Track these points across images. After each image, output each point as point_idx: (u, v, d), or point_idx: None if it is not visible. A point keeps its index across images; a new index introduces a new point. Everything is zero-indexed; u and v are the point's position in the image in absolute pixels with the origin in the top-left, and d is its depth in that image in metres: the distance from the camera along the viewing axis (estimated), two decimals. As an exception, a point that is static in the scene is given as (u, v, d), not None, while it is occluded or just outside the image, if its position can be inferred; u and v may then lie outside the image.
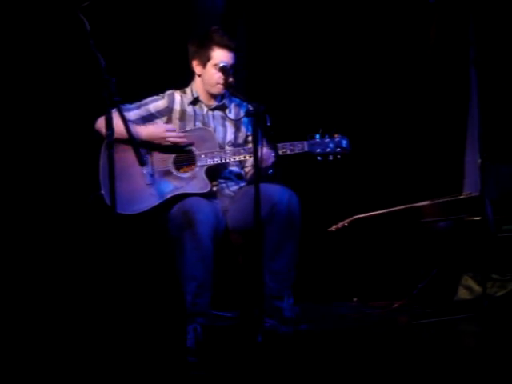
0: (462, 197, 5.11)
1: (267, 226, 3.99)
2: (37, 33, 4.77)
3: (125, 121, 3.57)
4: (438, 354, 3.85)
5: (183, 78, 4.41)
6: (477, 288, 4.90)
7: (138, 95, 4.31)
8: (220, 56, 4.18)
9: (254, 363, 3.63)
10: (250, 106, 3.76)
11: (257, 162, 3.65)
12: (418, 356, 3.82)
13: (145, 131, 4.15)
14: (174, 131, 4.17)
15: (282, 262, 4.05)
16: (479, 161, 4.44)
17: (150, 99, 4.29)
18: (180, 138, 4.16)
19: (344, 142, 4.13)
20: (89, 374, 3.57)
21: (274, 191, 4.05)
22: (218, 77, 4.20)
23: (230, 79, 4.16)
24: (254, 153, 3.66)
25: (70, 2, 3.44)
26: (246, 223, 4.05)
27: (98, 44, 3.44)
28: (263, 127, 3.77)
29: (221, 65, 4.16)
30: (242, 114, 4.33)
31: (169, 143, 4.14)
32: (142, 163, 3.64)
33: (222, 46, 4.19)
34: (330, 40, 5.67)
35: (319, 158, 4.12)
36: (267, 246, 3.99)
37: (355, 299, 5.36)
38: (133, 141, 3.59)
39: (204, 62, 4.23)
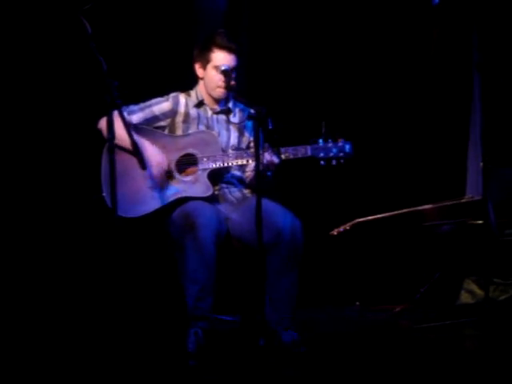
0: (464, 200, 5.11)
1: (270, 254, 3.97)
2: (39, 36, 4.77)
3: (126, 125, 3.56)
4: (440, 358, 3.84)
5: (187, 81, 4.40)
6: (479, 292, 4.89)
7: (141, 98, 4.30)
8: (220, 58, 4.17)
9: (255, 367, 3.62)
10: (251, 109, 3.75)
11: (258, 165, 3.63)
12: (420, 360, 3.82)
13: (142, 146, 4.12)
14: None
15: (282, 291, 4.00)
16: (481, 164, 4.43)
17: (154, 101, 4.28)
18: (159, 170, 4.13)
19: (347, 147, 4.11)
20: (91, 376, 3.57)
21: (277, 215, 4.01)
22: (217, 79, 4.18)
23: (232, 82, 4.15)
24: (256, 156, 3.65)
25: (72, 5, 3.44)
26: (247, 238, 4.03)
27: (100, 47, 3.44)
28: (265, 131, 3.76)
29: (222, 68, 4.15)
30: (244, 119, 4.32)
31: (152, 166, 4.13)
32: (144, 166, 3.63)
33: (222, 47, 4.17)
34: (333, 43, 5.66)
35: (322, 162, 4.11)
36: (268, 274, 3.97)
37: (357, 303, 5.35)
38: (134, 144, 3.58)
39: (205, 64, 4.22)
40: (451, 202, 5.07)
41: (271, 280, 3.99)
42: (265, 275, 3.93)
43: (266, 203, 3.71)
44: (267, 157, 4.00)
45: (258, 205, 3.57)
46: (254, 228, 3.61)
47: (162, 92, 4.32)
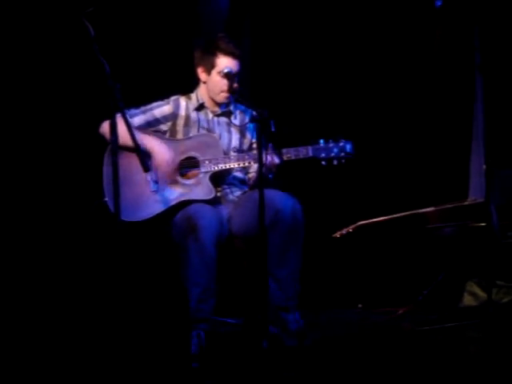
0: (466, 203, 5.10)
1: (270, 233, 3.97)
2: (42, 39, 4.77)
3: (129, 126, 3.57)
4: (442, 360, 3.84)
5: (188, 83, 4.41)
6: (482, 294, 4.88)
7: (143, 100, 4.31)
8: (225, 63, 4.18)
9: (258, 370, 3.62)
10: (254, 112, 3.75)
11: (261, 167, 3.64)
12: (423, 362, 3.81)
13: (147, 142, 4.13)
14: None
15: (286, 270, 4.04)
16: (484, 167, 4.43)
17: (155, 104, 4.29)
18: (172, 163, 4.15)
19: (348, 147, 4.12)
20: (94, 378, 3.57)
21: (277, 197, 4.04)
22: (222, 84, 4.19)
23: (235, 85, 4.16)
24: (259, 158, 3.65)
25: (75, 8, 3.44)
26: (249, 228, 4.04)
27: (103, 50, 3.44)
28: (268, 133, 3.76)
29: (225, 71, 4.16)
30: (247, 120, 4.33)
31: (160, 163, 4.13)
32: (146, 169, 3.64)
33: (227, 53, 4.18)
34: (335, 45, 5.66)
35: (323, 162, 4.11)
36: (271, 254, 3.97)
37: (360, 305, 5.35)
38: (137, 147, 3.58)
39: (209, 69, 4.23)
40: (454, 205, 5.07)
41: (274, 260, 4.00)
42: (266, 264, 3.92)
43: (267, 190, 3.73)
44: (269, 158, 4.01)
45: (261, 207, 3.58)
46: (254, 214, 3.64)
47: (164, 95, 4.33)
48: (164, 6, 5.15)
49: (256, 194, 3.64)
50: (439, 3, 4.76)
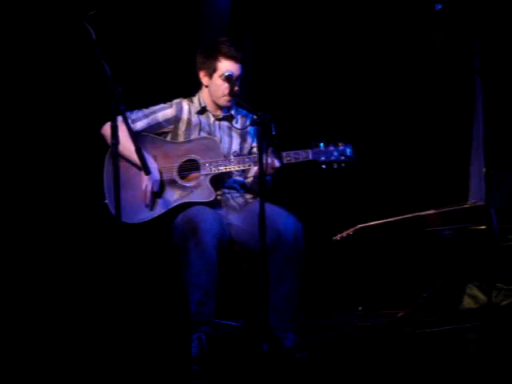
0: (466, 206, 5.10)
1: (270, 255, 3.96)
2: (44, 42, 4.77)
3: (130, 130, 3.57)
4: (442, 363, 3.84)
5: (190, 87, 4.42)
6: (482, 297, 4.89)
7: (145, 104, 4.31)
8: (226, 67, 4.18)
9: (258, 372, 3.62)
10: (254, 115, 3.76)
11: (262, 171, 3.64)
12: (423, 365, 3.82)
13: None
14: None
15: (282, 294, 4.02)
16: (484, 170, 4.44)
17: (158, 107, 4.29)
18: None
19: (348, 151, 4.12)
20: (94, 381, 3.57)
21: (279, 218, 4.03)
22: (224, 87, 4.20)
23: (235, 88, 4.16)
24: (260, 162, 3.66)
25: (76, 12, 3.45)
26: (249, 242, 4.04)
27: (105, 53, 3.44)
28: (268, 136, 3.77)
29: (226, 74, 4.16)
30: (248, 124, 4.32)
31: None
32: (147, 172, 3.64)
33: (229, 57, 4.19)
34: (336, 48, 5.67)
35: (323, 166, 4.12)
36: (270, 275, 3.96)
37: (360, 308, 5.35)
38: (138, 150, 3.59)
39: (211, 73, 4.23)
40: (454, 208, 5.07)
41: (272, 282, 3.99)
42: (267, 278, 3.93)
43: (268, 207, 3.72)
44: (268, 160, 4.01)
45: (262, 207, 3.58)
46: (255, 232, 3.63)
47: (166, 98, 4.33)
48: (166, 10, 5.16)
49: (258, 207, 3.62)
50: (439, 7, 4.77)
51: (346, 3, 5.66)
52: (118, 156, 3.45)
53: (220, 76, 4.19)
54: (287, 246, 4.00)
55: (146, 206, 4.10)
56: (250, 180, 4.33)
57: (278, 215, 4.04)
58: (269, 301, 3.94)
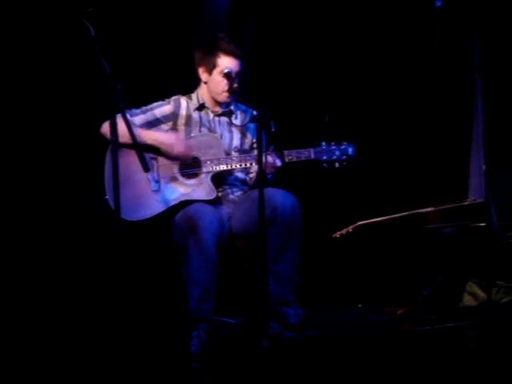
0: (466, 203, 5.10)
1: (268, 229, 3.97)
2: (42, 39, 4.78)
3: (129, 126, 3.57)
4: (442, 360, 3.84)
5: (188, 83, 4.41)
6: (482, 294, 4.89)
7: (144, 100, 4.31)
8: (226, 63, 4.18)
9: (258, 369, 3.62)
10: (254, 111, 3.76)
11: (261, 167, 3.64)
12: (423, 362, 3.82)
13: (154, 136, 4.15)
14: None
15: (284, 265, 4.05)
16: (484, 167, 4.43)
17: (155, 104, 4.30)
18: (187, 149, 4.15)
19: (350, 150, 4.13)
20: (93, 379, 3.57)
21: (274, 195, 4.05)
22: (224, 84, 4.20)
23: (235, 85, 4.16)
24: (259, 158, 3.66)
25: (75, 9, 3.44)
26: (248, 227, 4.06)
27: (103, 50, 3.44)
28: (268, 133, 3.77)
29: (225, 71, 4.16)
30: (247, 120, 4.33)
31: (176, 153, 4.14)
32: (146, 169, 3.64)
33: (228, 53, 4.19)
34: (336, 45, 5.67)
35: (325, 165, 4.12)
36: (269, 250, 3.97)
37: (360, 305, 5.35)
38: (137, 146, 3.59)
39: (210, 69, 4.23)
40: (453, 205, 5.07)
41: (272, 254, 4.00)
42: (265, 258, 3.92)
43: (266, 189, 3.74)
44: (270, 159, 4.01)
45: (261, 208, 3.59)
46: (253, 213, 3.65)
47: (165, 95, 4.33)
48: (164, 6, 5.16)
49: (255, 193, 3.66)
50: (439, 3, 4.77)
51: (346, 0, 5.66)
52: (117, 153, 3.45)
53: (219, 72, 4.19)
54: (284, 218, 4.03)
55: (152, 191, 4.09)
56: (252, 176, 4.34)
57: (274, 193, 4.06)
58: (270, 274, 3.98)
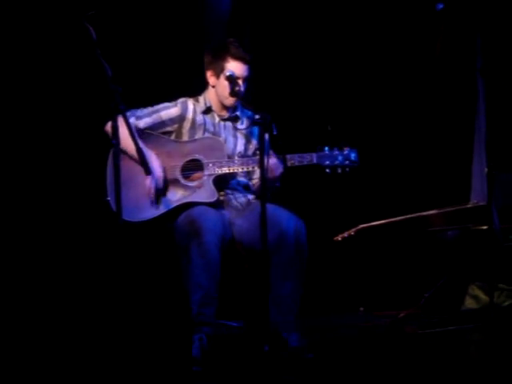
0: (468, 206, 5.09)
1: (273, 256, 3.97)
2: (44, 42, 4.78)
3: (131, 130, 3.56)
4: (444, 363, 3.84)
5: (193, 87, 4.41)
6: (484, 297, 4.88)
7: (148, 104, 4.31)
8: (234, 68, 4.18)
9: (259, 373, 3.62)
10: (256, 115, 3.76)
11: (263, 171, 3.64)
12: (425, 365, 3.81)
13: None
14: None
15: (285, 294, 4.01)
16: (486, 170, 4.43)
17: (162, 106, 4.28)
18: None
19: (353, 155, 4.12)
20: (95, 382, 3.57)
21: (281, 218, 4.03)
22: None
23: (237, 88, 4.15)
24: (261, 162, 3.65)
25: (77, 11, 3.45)
26: (252, 242, 4.04)
27: (105, 53, 3.44)
28: (270, 136, 3.76)
29: (227, 74, 4.16)
30: (249, 124, 4.32)
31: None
32: (149, 172, 3.64)
33: (237, 57, 4.18)
34: (338, 49, 5.67)
35: (328, 170, 4.12)
36: (272, 276, 3.97)
37: (362, 308, 5.35)
38: (139, 150, 3.58)
39: (218, 73, 4.23)
40: (456, 208, 5.06)
41: (275, 282, 3.99)
42: (269, 278, 3.93)
43: (271, 207, 3.72)
44: (272, 163, 4.01)
45: (263, 209, 3.57)
46: (257, 231, 3.62)
47: (167, 98, 4.33)
48: (167, 10, 5.16)
49: (260, 207, 3.62)
50: (440, 6, 4.77)
51: (348, 4, 5.66)
52: (119, 155, 3.45)
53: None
54: (290, 247, 4.00)
55: (151, 203, 4.09)
56: (255, 182, 4.33)
57: (280, 215, 4.04)
58: (271, 301, 3.94)
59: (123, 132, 3.51)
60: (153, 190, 4.08)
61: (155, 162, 4.09)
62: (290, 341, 3.99)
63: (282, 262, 4.00)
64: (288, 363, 3.87)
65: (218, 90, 4.26)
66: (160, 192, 4.11)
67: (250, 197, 4.31)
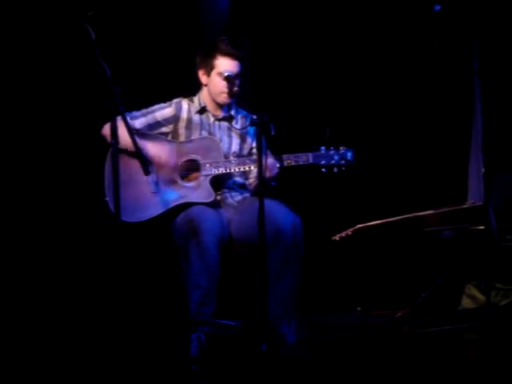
0: (465, 206, 5.11)
1: (270, 251, 3.95)
2: (43, 42, 4.78)
3: (130, 130, 3.58)
4: (441, 363, 3.85)
5: (189, 87, 4.42)
6: (480, 297, 4.89)
7: (144, 104, 4.32)
8: (224, 64, 4.19)
9: (257, 372, 3.63)
10: (253, 115, 3.77)
11: (261, 171, 3.65)
12: (422, 365, 3.82)
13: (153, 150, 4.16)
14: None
15: (283, 289, 4.02)
16: (483, 170, 4.44)
17: (156, 107, 4.30)
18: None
19: (349, 155, 4.13)
20: (93, 381, 3.57)
21: (277, 213, 4.03)
22: (222, 85, 4.20)
23: (235, 88, 4.17)
24: (259, 162, 3.67)
25: (76, 12, 3.46)
26: (249, 237, 4.03)
27: (104, 53, 3.45)
28: (267, 137, 3.77)
29: (225, 74, 4.17)
30: (247, 124, 4.33)
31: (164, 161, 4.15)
32: (147, 172, 3.65)
33: (226, 54, 4.19)
34: (335, 49, 5.68)
35: (323, 169, 4.13)
36: (269, 271, 3.96)
37: (359, 308, 5.36)
38: (137, 150, 3.60)
39: (208, 70, 4.24)
40: (452, 208, 5.08)
41: (272, 277, 3.99)
42: (267, 274, 3.93)
43: (267, 202, 3.73)
44: (268, 163, 4.01)
45: (261, 206, 3.59)
46: (254, 226, 3.64)
47: (166, 98, 4.34)
48: (166, 11, 5.17)
49: (256, 202, 3.63)
50: (438, 8, 4.78)
51: (345, 4, 5.67)
52: (117, 156, 3.46)
53: (218, 73, 4.19)
54: (286, 243, 4.01)
55: (152, 193, 4.10)
56: (251, 182, 4.34)
57: (276, 210, 4.04)
58: (269, 294, 3.95)
59: (122, 132, 3.52)
60: (152, 187, 4.10)
61: (156, 152, 4.11)
62: (284, 339, 4.00)
63: (278, 259, 4.01)
64: (285, 362, 3.88)
65: (209, 88, 4.27)
66: (157, 193, 4.12)
67: (246, 194, 4.33)
